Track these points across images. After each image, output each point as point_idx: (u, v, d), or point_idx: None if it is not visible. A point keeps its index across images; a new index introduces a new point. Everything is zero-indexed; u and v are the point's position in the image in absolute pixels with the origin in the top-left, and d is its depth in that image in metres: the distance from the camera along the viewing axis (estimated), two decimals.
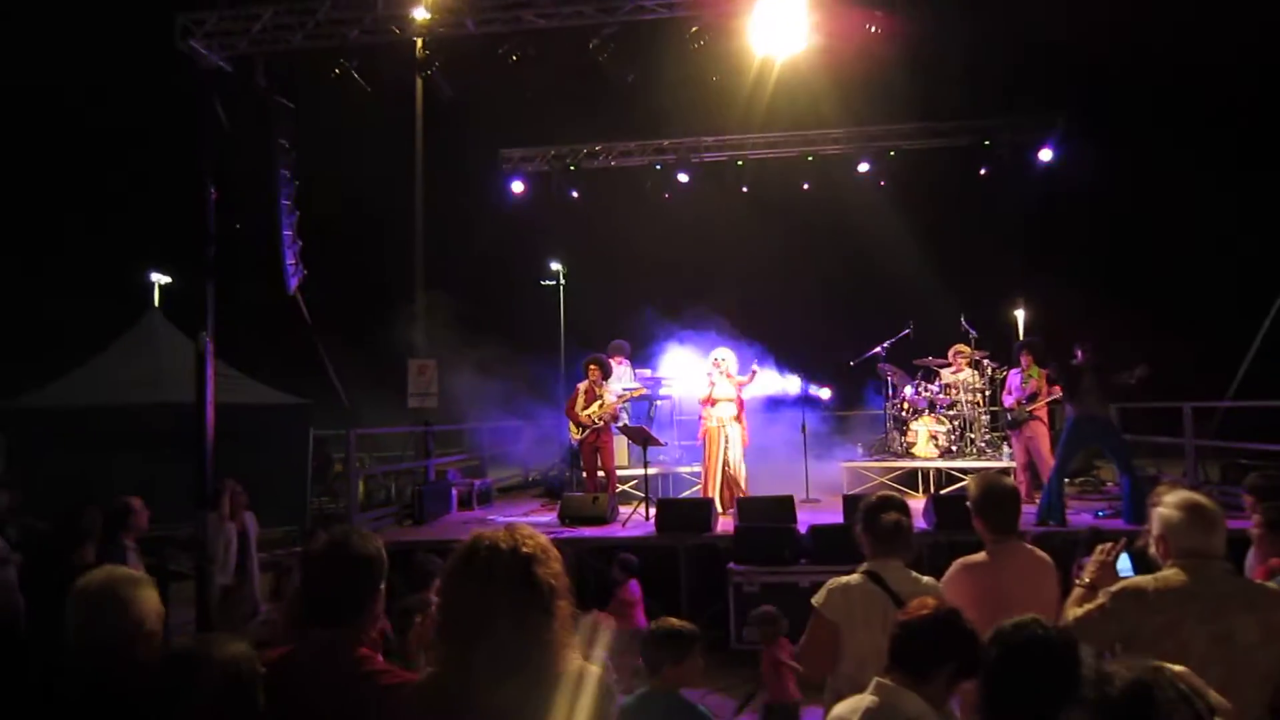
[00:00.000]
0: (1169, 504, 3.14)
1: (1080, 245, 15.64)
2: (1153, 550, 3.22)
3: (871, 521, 3.65)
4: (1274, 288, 13.22)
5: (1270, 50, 12.86)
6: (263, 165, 7.39)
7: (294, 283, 8.45)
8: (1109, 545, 3.44)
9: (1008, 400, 10.47)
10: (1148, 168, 15.30)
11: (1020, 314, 14.44)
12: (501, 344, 15.02)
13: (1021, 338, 13.65)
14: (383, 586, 2.57)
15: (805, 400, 11.10)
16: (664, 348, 12.83)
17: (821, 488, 10.49)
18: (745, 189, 15.18)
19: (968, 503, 3.83)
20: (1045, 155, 14.33)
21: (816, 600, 3.55)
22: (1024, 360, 10.34)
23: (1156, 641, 2.98)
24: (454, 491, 10.96)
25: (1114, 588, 3.13)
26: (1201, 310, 15.10)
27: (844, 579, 3.57)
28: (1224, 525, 3.13)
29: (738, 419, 9.81)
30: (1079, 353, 8.61)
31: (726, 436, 9.71)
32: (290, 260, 7.90)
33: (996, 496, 3.74)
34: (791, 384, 11.42)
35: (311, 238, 10.10)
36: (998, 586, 3.57)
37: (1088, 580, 3.34)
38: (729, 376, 9.81)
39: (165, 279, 14.88)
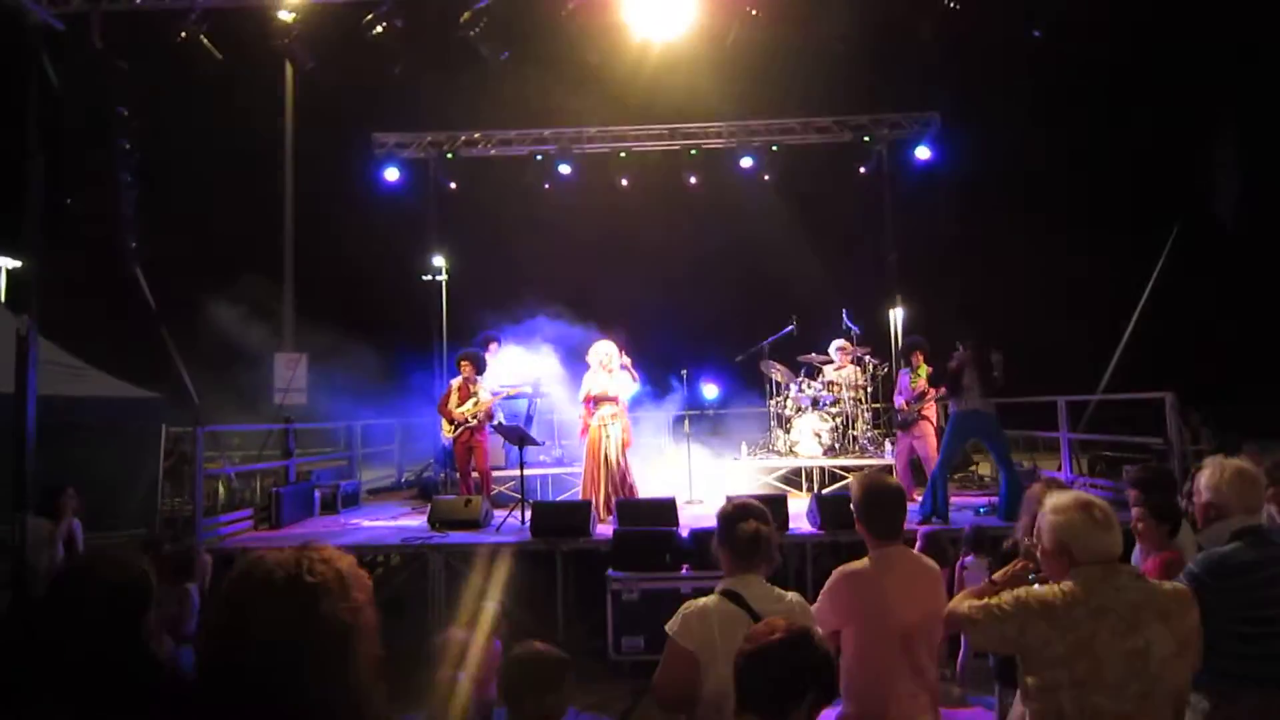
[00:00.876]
0: (1060, 507, 2.92)
1: (957, 243, 15.92)
2: (1041, 560, 3.00)
3: (728, 533, 3.35)
4: (1143, 280, 13.67)
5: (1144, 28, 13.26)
6: (98, 135, 6.60)
7: (133, 263, 7.62)
8: (1026, 563, 3.22)
9: (898, 400, 10.47)
10: (1019, 165, 15.69)
11: (898, 312, 14.54)
12: (377, 338, 14.58)
13: (900, 336, 13.74)
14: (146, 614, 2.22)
15: (688, 397, 10.87)
16: (544, 342, 12.41)
17: (705, 488, 10.30)
18: (625, 182, 14.92)
19: (850, 504, 3.62)
20: (923, 153, 14.51)
21: (671, 627, 3.21)
22: (914, 359, 10.35)
23: (1069, 660, 2.74)
24: (317, 494, 10.41)
25: (1018, 592, 2.89)
26: (1075, 305, 15.56)
27: (700, 601, 3.25)
28: (1117, 523, 2.93)
29: (617, 417, 9.46)
30: (961, 348, 8.57)
31: (608, 436, 9.38)
32: (130, 240, 7.09)
33: (880, 498, 3.53)
34: (675, 381, 11.21)
35: (157, 216, 9.25)
36: (881, 596, 3.36)
37: (996, 579, 3.11)
38: (609, 372, 9.41)
39: (12, 263, 13.70)
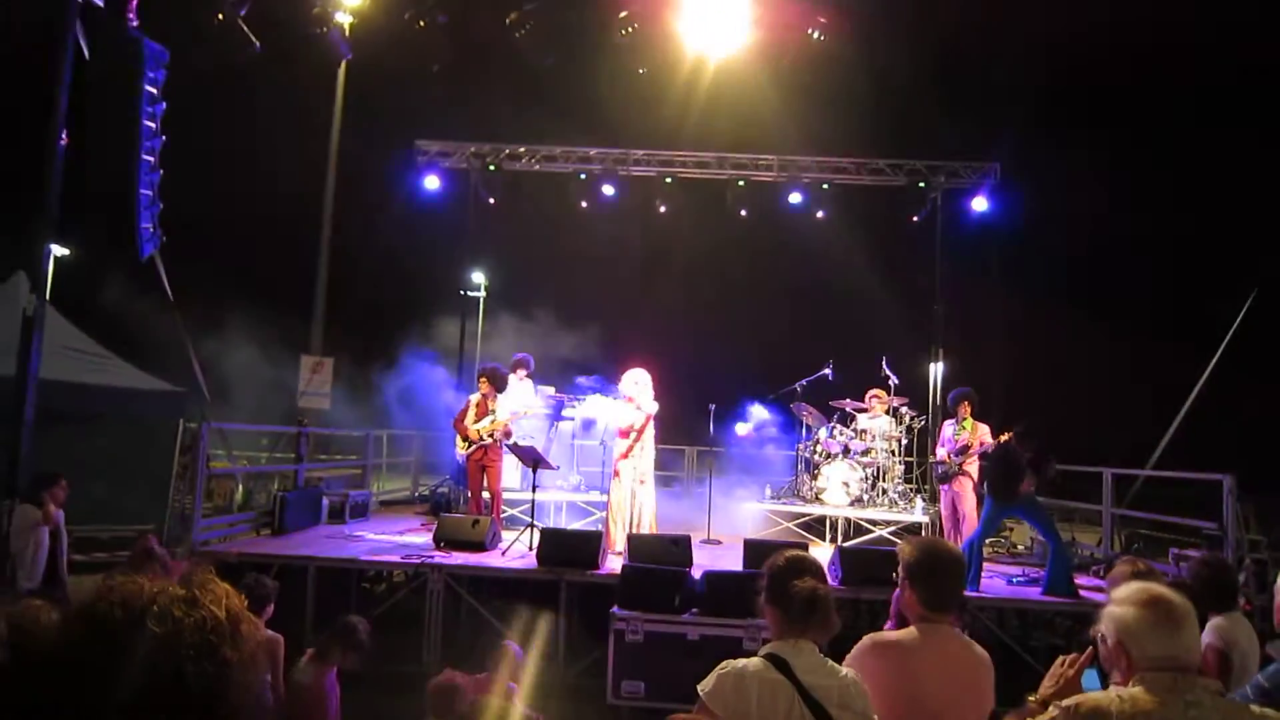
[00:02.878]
0: (1123, 598, 2.50)
1: (1007, 301, 15.45)
2: (1103, 656, 2.54)
3: (781, 590, 2.89)
4: (1207, 355, 13.11)
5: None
6: (124, 112, 6.41)
7: (148, 249, 7.41)
8: (1071, 656, 2.72)
9: (940, 451, 10.14)
10: (1082, 225, 15.25)
11: (939, 366, 14.03)
12: (409, 348, 14.42)
13: (939, 389, 13.27)
14: None
15: (715, 433, 10.52)
16: (575, 367, 12.46)
17: (724, 528, 10.10)
18: (664, 208, 14.65)
19: (899, 567, 3.14)
20: (979, 204, 14.08)
21: (703, 687, 2.75)
22: (961, 411, 9.95)
23: None
24: (325, 501, 10.24)
25: (1068, 703, 2.40)
26: (1129, 374, 15.03)
27: (740, 663, 2.78)
28: (1195, 623, 2.46)
29: (645, 449, 9.24)
30: (1010, 435, 8.23)
31: (635, 468, 9.16)
32: (146, 224, 6.87)
33: (940, 563, 3.06)
34: (703, 415, 10.87)
35: (187, 204, 9.06)
36: (919, 679, 2.89)
37: (1041, 697, 2.60)
38: (635, 404, 9.20)
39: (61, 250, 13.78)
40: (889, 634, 3.07)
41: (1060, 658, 2.75)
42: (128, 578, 1.33)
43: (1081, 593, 7.77)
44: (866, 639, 3.03)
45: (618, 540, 8.86)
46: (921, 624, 3.01)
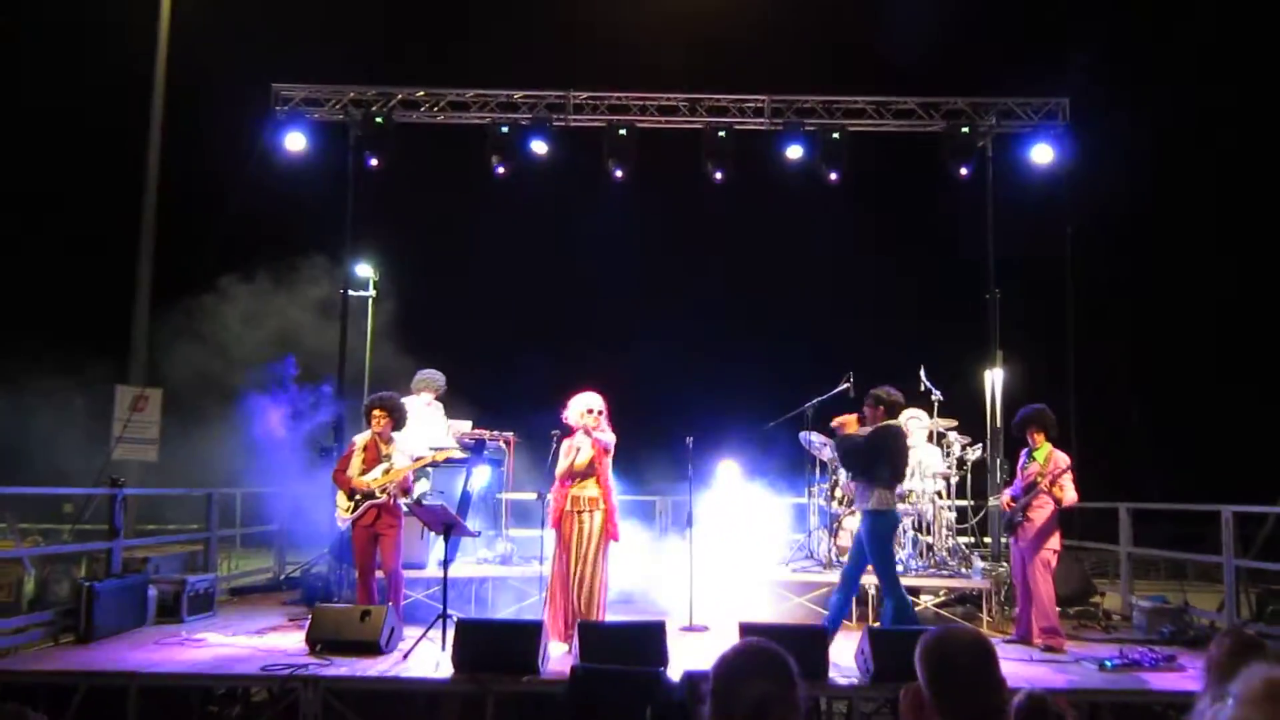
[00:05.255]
0: (1251, 695, 2.48)
1: (1088, 282, 15.58)
2: None
3: (723, 701, 3.01)
4: None
5: None
6: None
7: None
8: None
9: (1006, 494, 10.19)
10: (1180, 174, 15.38)
11: (997, 374, 14.06)
12: (266, 372, 14.26)
13: (999, 404, 13.29)
14: None
15: (697, 477, 10.53)
16: (500, 390, 12.80)
17: (712, 608, 10.08)
18: (618, 171, 14.58)
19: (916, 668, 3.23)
20: (1042, 154, 14.13)
21: None
22: (1032, 437, 9.87)
23: None
24: (153, 592, 10.14)
25: None
26: (1254, 387, 15.20)
27: None
28: None
29: (597, 502, 9.23)
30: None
31: (581, 526, 9.15)
32: None
33: (959, 665, 3.14)
34: (680, 453, 10.88)
35: None
36: None
37: None
38: (592, 438, 9.21)
39: None
40: None
41: None
42: None
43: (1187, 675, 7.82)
44: None
45: (564, 630, 8.84)
46: None
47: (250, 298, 15.21)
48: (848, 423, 9.37)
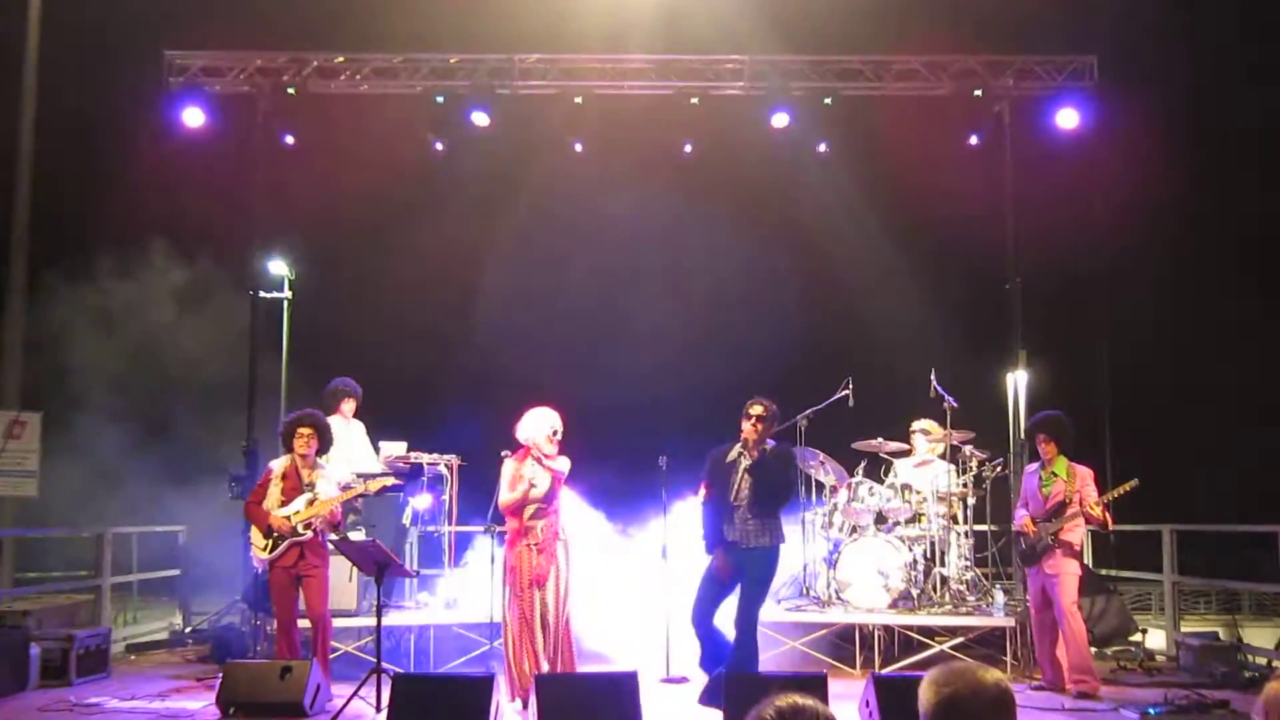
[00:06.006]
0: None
1: (1124, 269, 15.66)
2: None
3: None
4: None
5: None
6: None
7: None
8: None
9: (1020, 516, 10.23)
10: (1226, 140, 15.48)
11: (1021, 376, 14.12)
12: (169, 391, 14.24)
13: (1022, 411, 13.33)
14: None
15: (671, 503, 10.61)
16: (439, 406, 12.90)
17: (695, 656, 9.78)
18: (578, 146, 14.64)
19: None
20: (1068, 119, 14.22)
21: None
22: (1043, 449, 9.94)
23: None
24: (35, 650, 10.14)
25: None
26: None
27: None
28: None
29: (553, 532, 9.30)
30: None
31: (539, 564, 9.19)
32: None
33: (962, 710, 3.11)
34: (651, 477, 10.92)
35: None
36: None
37: None
38: (548, 461, 9.30)
39: None
40: None
41: None
42: None
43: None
44: None
45: (520, 685, 8.90)
46: None
47: (143, 302, 15.17)
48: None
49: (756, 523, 8.89)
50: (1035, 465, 10.25)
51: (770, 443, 9.05)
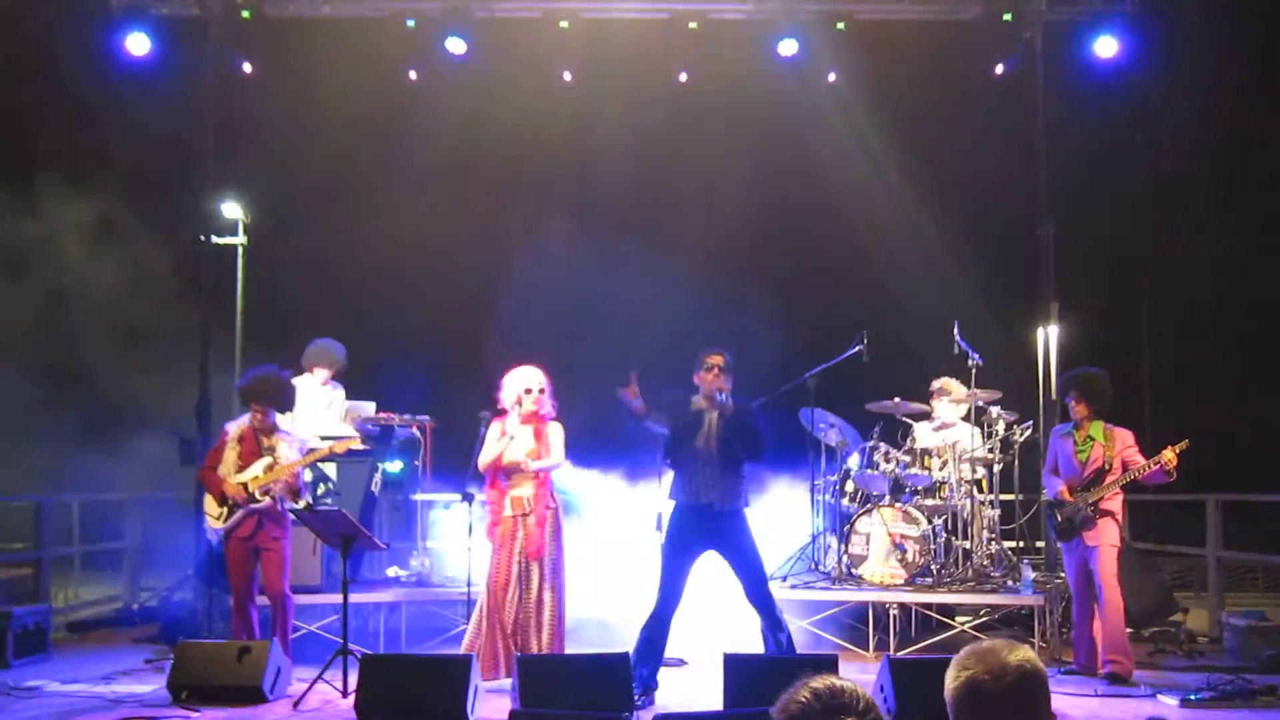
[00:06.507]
0: None
1: (1167, 213, 15.63)
2: None
3: None
4: None
5: None
6: None
7: None
8: None
9: (1051, 484, 10.22)
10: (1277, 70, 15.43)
11: (1053, 330, 14.12)
12: (107, 346, 14.24)
13: (1049, 371, 13.32)
14: None
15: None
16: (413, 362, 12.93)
17: (692, 636, 10.13)
18: (567, 75, 14.62)
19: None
20: (1105, 47, 14.15)
21: None
22: (1075, 410, 9.97)
23: None
24: None
25: None
26: None
27: None
28: None
29: (543, 503, 9.43)
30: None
31: (524, 534, 9.33)
32: None
33: (988, 697, 3.14)
34: (645, 441, 10.89)
35: None
36: None
37: None
38: (533, 423, 9.46)
39: None
40: None
41: None
42: None
43: None
44: None
45: (501, 665, 9.01)
46: None
47: (85, 248, 15.11)
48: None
49: (731, 483, 8.96)
50: (1066, 426, 10.23)
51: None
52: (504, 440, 9.37)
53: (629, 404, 8.71)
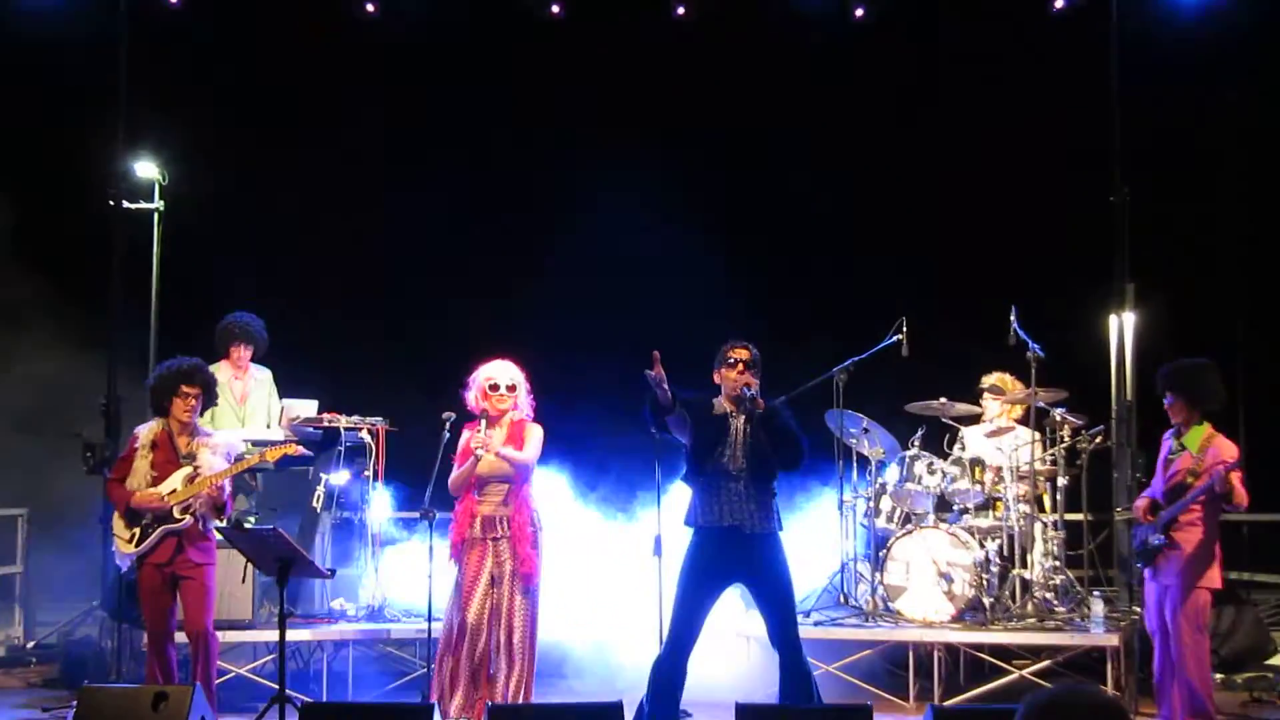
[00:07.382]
0: None
1: (1263, 177, 15.62)
2: None
3: None
4: None
5: None
6: None
7: None
8: None
9: (1141, 497, 10.15)
10: None
11: (1129, 318, 14.09)
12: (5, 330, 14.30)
13: (1125, 366, 13.28)
14: None
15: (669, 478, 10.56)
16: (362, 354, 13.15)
17: (697, 679, 9.64)
18: (557, 7, 14.59)
19: None
20: None
21: None
22: (1172, 412, 9.91)
23: None
24: None
25: None
26: None
27: None
28: None
29: (521, 521, 9.48)
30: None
31: (497, 555, 9.43)
32: None
33: None
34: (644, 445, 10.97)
35: None
36: None
37: None
38: (506, 423, 9.58)
39: None
40: None
41: None
42: None
43: None
44: None
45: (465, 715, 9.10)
46: None
47: None
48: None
49: (763, 501, 8.67)
50: (1171, 431, 10.04)
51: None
52: (476, 440, 9.34)
53: (656, 387, 8.26)
